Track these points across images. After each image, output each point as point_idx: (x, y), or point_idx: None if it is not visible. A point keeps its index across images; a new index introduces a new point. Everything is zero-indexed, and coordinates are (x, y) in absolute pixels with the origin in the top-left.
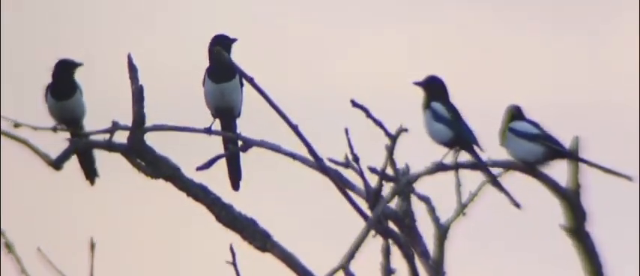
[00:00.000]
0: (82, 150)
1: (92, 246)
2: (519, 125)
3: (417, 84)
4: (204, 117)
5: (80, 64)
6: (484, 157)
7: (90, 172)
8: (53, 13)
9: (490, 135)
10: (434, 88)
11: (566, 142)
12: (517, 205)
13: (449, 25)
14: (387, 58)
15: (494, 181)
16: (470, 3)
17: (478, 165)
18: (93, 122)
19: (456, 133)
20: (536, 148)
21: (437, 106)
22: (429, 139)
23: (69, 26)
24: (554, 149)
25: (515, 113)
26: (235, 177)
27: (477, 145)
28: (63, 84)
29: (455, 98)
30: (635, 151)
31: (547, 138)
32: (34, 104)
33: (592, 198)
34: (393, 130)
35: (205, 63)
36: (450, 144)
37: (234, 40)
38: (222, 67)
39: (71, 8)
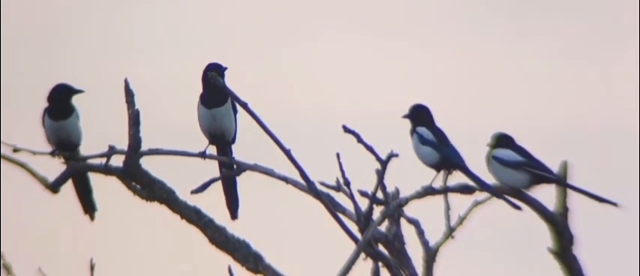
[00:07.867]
0: (79, 173)
1: (92, 267)
2: (502, 153)
3: (405, 116)
4: (200, 141)
5: (80, 91)
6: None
7: (88, 205)
8: (51, 39)
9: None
10: (419, 115)
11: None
12: (518, 208)
13: (441, 49)
14: (379, 84)
15: (493, 192)
16: (460, 28)
17: (467, 187)
18: (90, 146)
19: (443, 155)
20: (521, 175)
21: (422, 130)
22: (418, 163)
23: (67, 51)
24: (539, 175)
25: (500, 141)
26: (233, 205)
27: (464, 166)
28: (60, 105)
29: (444, 122)
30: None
31: (532, 164)
32: (33, 129)
33: (579, 221)
34: (383, 155)
35: (200, 88)
36: (437, 166)
37: (226, 68)
38: (214, 92)
39: (70, 34)
